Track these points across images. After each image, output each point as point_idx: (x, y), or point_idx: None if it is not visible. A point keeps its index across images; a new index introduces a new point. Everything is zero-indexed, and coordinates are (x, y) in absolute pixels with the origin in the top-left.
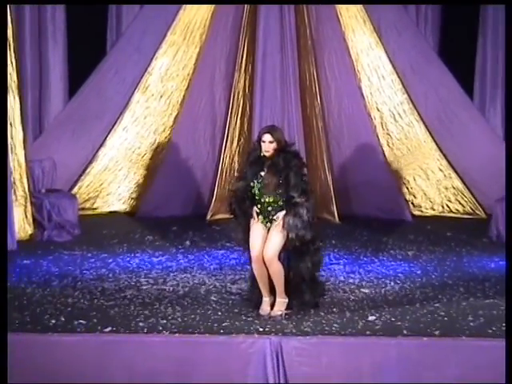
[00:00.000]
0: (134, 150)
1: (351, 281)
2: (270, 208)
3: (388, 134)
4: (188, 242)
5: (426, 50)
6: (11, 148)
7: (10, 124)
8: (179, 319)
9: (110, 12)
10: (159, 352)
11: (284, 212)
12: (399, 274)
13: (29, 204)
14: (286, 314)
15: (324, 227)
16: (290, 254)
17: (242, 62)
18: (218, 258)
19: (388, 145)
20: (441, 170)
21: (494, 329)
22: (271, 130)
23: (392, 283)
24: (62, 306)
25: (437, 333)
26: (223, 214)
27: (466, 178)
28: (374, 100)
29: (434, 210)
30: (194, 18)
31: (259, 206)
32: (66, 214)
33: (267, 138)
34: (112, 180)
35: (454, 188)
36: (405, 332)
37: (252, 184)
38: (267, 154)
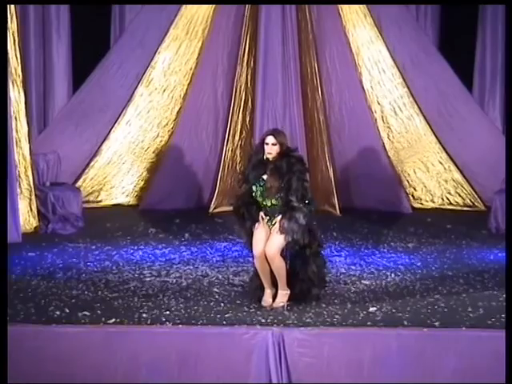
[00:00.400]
0: (137, 144)
1: (352, 273)
2: (271, 211)
3: (388, 128)
4: (187, 235)
5: (425, 44)
6: (16, 142)
7: (15, 118)
8: (182, 311)
9: (114, 7)
10: (162, 343)
11: (281, 215)
12: (400, 266)
13: (33, 197)
14: (287, 306)
15: (325, 219)
16: (294, 257)
17: (243, 56)
18: (220, 251)
19: (388, 138)
20: (441, 162)
21: (493, 320)
22: (274, 132)
23: (392, 275)
24: (66, 298)
25: (437, 324)
26: (226, 206)
27: (466, 171)
28: (375, 93)
29: (433, 202)
30: (197, 12)
31: (262, 208)
32: (70, 207)
33: (270, 140)
34: (116, 173)
35: (453, 181)
36: (405, 323)
37: (254, 187)
38: (270, 157)
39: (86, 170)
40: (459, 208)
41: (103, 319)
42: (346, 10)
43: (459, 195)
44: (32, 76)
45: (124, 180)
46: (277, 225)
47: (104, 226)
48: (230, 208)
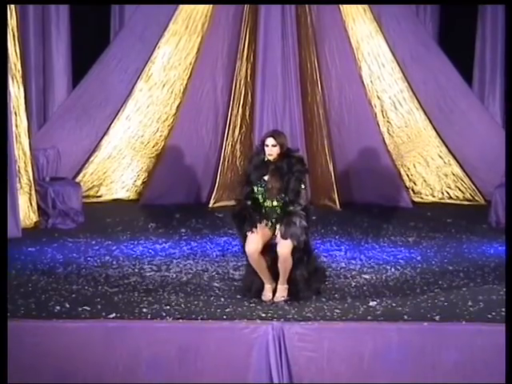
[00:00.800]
0: (137, 139)
1: (352, 267)
2: (273, 212)
3: (388, 122)
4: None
5: (425, 39)
6: (16, 137)
7: (15, 113)
8: (182, 305)
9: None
10: (163, 338)
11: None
12: (400, 260)
13: (33, 192)
14: (288, 300)
15: (325, 214)
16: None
17: (243, 50)
18: (220, 245)
19: (388, 132)
20: (440, 156)
21: (493, 314)
22: (274, 134)
23: (393, 269)
24: (66, 293)
25: (437, 318)
26: (226, 201)
27: (466, 165)
28: (375, 88)
29: (433, 196)
30: (196, 7)
31: (263, 210)
32: (71, 202)
33: (270, 141)
34: (115, 168)
35: (453, 175)
36: (405, 317)
37: (255, 188)
38: (271, 158)
39: (86, 165)
40: (459, 202)
41: (103, 314)
42: (346, 4)
43: (459, 189)
44: (32, 71)
45: (124, 175)
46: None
47: (104, 220)
48: (230, 202)
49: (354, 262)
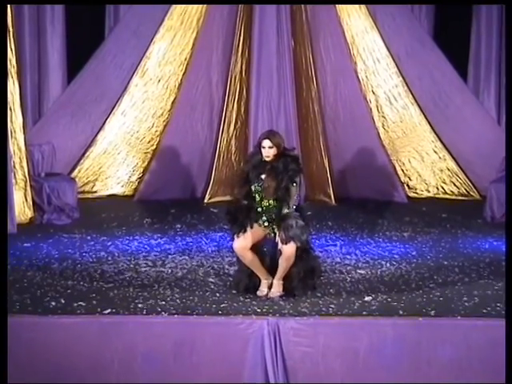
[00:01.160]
0: (132, 134)
1: (347, 262)
2: (269, 211)
3: (383, 117)
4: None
5: (420, 34)
6: (11, 132)
7: (10, 109)
8: (178, 301)
9: None
10: (158, 333)
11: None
12: (395, 255)
13: (29, 188)
14: (283, 296)
15: (320, 209)
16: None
17: (238, 46)
18: (215, 240)
19: (383, 127)
20: (435, 152)
21: (488, 309)
22: (270, 135)
23: (388, 264)
24: (61, 289)
25: (432, 313)
26: (221, 196)
27: (461, 160)
28: (370, 83)
29: (428, 191)
30: None
31: (259, 209)
32: (66, 198)
33: (267, 143)
34: (111, 163)
35: (448, 170)
36: (401, 312)
37: (253, 187)
38: (268, 159)
39: (81, 161)
40: (454, 197)
41: (99, 309)
42: None
43: (454, 184)
44: (27, 67)
45: (119, 170)
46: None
47: (99, 216)
48: (226, 198)
49: (349, 257)
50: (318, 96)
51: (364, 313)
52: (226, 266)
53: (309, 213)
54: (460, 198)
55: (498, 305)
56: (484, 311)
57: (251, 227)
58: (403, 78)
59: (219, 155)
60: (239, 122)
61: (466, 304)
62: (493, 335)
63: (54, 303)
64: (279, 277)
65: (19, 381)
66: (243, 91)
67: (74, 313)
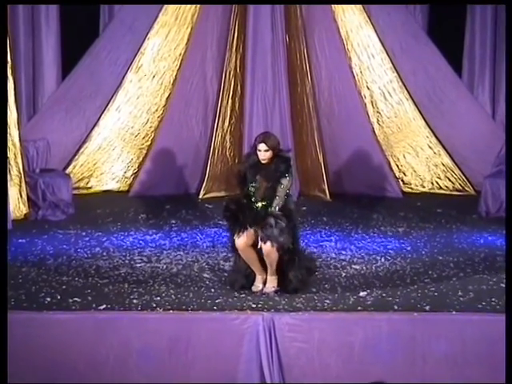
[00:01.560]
0: (127, 130)
1: (342, 257)
2: (261, 212)
3: (378, 112)
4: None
5: (414, 29)
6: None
7: None
8: (173, 296)
9: None
10: (153, 329)
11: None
12: (390, 251)
13: (23, 184)
14: (278, 291)
15: (315, 205)
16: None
17: (233, 41)
18: (210, 236)
19: (378, 123)
20: (430, 147)
21: (483, 303)
22: (265, 138)
23: (383, 259)
24: (56, 285)
25: (427, 308)
26: (216, 192)
27: (455, 155)
28: (364, 79)
29: (423, 187)
30: None
31: (254, 209)
32: (61, 194)
33: (262, 147)
34: (106, 159)
35: (443, 165)
36: (396, 307)
37: (250, 187)
38: (263, 162)
39: (76, 157)
40: (449, 192)
41: (94, 305)
42: None
43: (449, 179)
44: (21, 63)
45: (114, 166)
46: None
47: (94, 212)
48: (221, 193)
49: (344, 252)
50: (313, 91)
51: (359, 308)
52: (221, 262)
53: (304, 208)
54: (455, 193)
55: (493, 299)
56: (479, 306)
57: (250, 226)
58: (398, 73)
59: (214, 151)
60: (234, 118)
61: (461, 299)
62: (488, 330)
63: (49, 299)
64: (271, 272)
65: (14, 377)
66: (238, 87)
67: (69, 308)
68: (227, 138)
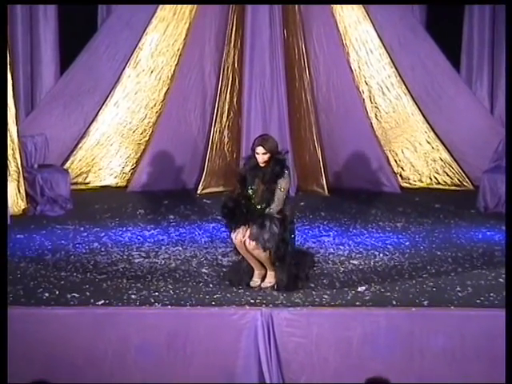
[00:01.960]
0: (125, 125)
1: (341, 252)
2: (259, 212)
3: (376, 107)
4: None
5: (413, 24)
6: None
7: None
8: (171, 292)
9: None
10: (151, 324)
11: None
12: (388, 246)
13: (22, 179)
14: (276, 286)
15: (313, 200)
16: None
17: (231, 36)
18: (209, 231)
19: (376, 118)
20: (428, 142)
21: (481, 299)
22: (263, 142)
23: (381, 255)
24: (55, 280)
25: (425, 303)
26: (214, 187)
27: (454, 150)
28: (362, 74)
29: (422, 182)
30: None
31: (253, 211)
32: (59, 189)
33: (260, 150)
34: (104, 155)
35: (441, 160)
36: (394, 303)
37: (248, 190)
38: (262, 165)
39: (74, 152)
40: (447, 187)
41: (92, 301)
42: None
43: (447, 175)
44: (19, 58)
45: (112, 161)
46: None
47: (92, 207)
48: (219, 189)
49: (342, 247)
50: (311, 86)
51: (357, 303)
52: (220, 257)
53: (302, 203)
54: (453, 188)
55: (492, 295)
56: (477, 301)
57: (245, 223)
58: (396, 68)
59: (212, 146)
60: (232, 113)
61: (460, 294)
62: (486, 325)
63: (47, 294)
64: (269, 268)
65: (12, 372)
66: (236, 82)
67: (67, 304)
68: (225, 133)
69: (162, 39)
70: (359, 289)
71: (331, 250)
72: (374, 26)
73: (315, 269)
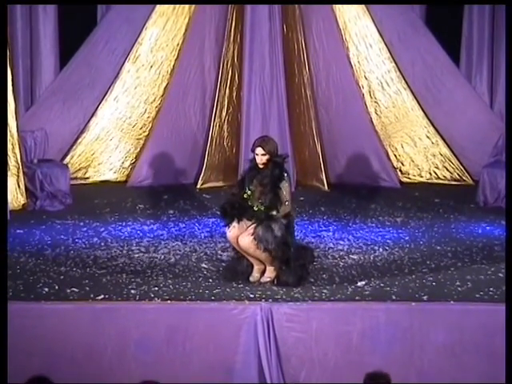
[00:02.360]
0: (124, 120)
1: (340, 247)
2: (256, 215)
3: (376, 102)
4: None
5: (412, 19)
6: None
7: None
8: (171, 287)
9: None
10: (151, 319)
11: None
12: (388, 241)
13: (21, 174)
14: (275, 280)
15: (313, 195)
16: None
17: (230, 31)
18: (208, 226)
19: (376, 113)
20: (428, 137)
21: (481, 293)
22: (262, 143)
23: (381, 249)
24: (54, 275)
25: (425, 298)
26: (214, 182)
27: (453, 145)
28: (362, 69)
29: (421, 176)
30: None
31: (250, 212)
32: (58, 184)
33: (259, 151)
34: (103, 150)
35: (441, 155)
36: (393, 297)
37: (247, 190)
38: (261, 166)
39: (74, 147)
40: (447, 182)
41: (92, 296)
42: None
43: (447, 169)
44: (19, 53)
45: (112, 156)
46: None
47: (92, 202)
48: (218, 184)
49: (342, 242)
50: (311, 81)
51: (357, 298)
52: (219, 252)
53: (301, 198)
54: (453, 182)
55: (491, 289)
56: (477, 296)
57: (240, 220)
58: (396, 63)
59: (211, 141)
60: (231, 108)
61: (459, 289)
62: (486, 320)
63: (46, 289)
64: (268, 263)
65: (12, 367)
66: (235, 77)
67: (66, 299)
68: (225, 127)
69: (162, 34)
70: (359, 283)
71: (331, 245)
72: (373, 20)
73: (315, 264)
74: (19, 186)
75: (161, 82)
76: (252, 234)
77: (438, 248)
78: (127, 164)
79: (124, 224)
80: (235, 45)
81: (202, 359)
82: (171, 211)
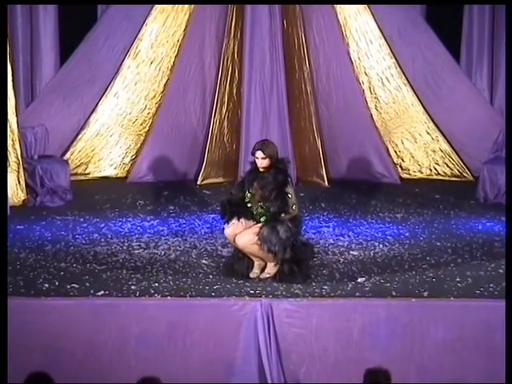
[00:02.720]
0: (125, 116)
1: (340, 243)
2: (257, 218)
3: (376, 98)
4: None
5: (413, 15)
6: None
7: None
8: (171, 283)
9: None
10: (151, 315)
11: (264, 222)
12: (388, 237)
13: (21, 170)
14: (275, 276)
15: (313, 191)
16: None
17: (231, 27)
18: (208, 222)
19: (376, 108)
20: (428, 133)
21: (481, 289)
22: (262, 146)
23: (381, 245)
24: (54, 271)
25: (425, 294)
26: (214, 178)
27: (454, 141)
28: (362, 65)
29: (421, 172)
30: None
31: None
32: (59, 180)
33: (259, 154)
34: (104, 145)
35: (441, 151)
36: (394, 293)
37: (247, 192)
38: (261, 169)
39: (74, 143)
40: (447, 178)
41: (92, 291)
42: None
43: (447, 165)
44: (19, 49)
45: (112, 152)
46: (257, 228)
47: (92, 198)
48: (219, 180)
49: (342, 238)
50: (311, 77)
51: (357, 294)
52: (219, 248)
53: (301, 194)
54: (453, 179)
55: (491, 285)
56: (477, 292)
57: (238, 218)
58: (396, 59)
59: (212, 137)
60: (232, 104)
61: (459, 285)
62: (485, 316)
63: (46, 285)
64: (268, 260)
65: (12, 363)
66: (236, 73)
67: (67, 295)
68: (225, 123)
69: (162, 30)
70: (359, 280)
71: (331, 241)
72: (373, 16)
73: (315, 259)
74: (19, 182)
75: (161, 78)
76: (257, 234)
77: (438, 244)
78: (127, 160)
79: (124, 220)
80: (235, 41)
81: (202, 355)
82: (171, 207)
